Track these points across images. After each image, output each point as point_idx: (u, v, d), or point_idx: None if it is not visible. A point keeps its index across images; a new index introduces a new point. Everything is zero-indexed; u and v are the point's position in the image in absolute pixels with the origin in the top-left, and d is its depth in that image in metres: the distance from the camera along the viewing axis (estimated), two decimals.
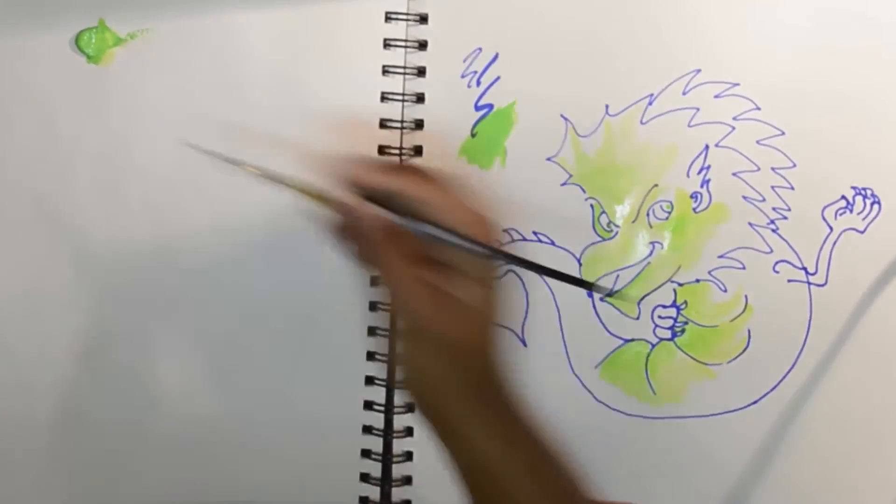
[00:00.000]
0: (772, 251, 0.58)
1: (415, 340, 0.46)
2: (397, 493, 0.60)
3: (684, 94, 0.57)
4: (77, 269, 0.59)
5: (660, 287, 0.58)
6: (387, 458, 0.60)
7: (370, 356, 0.60)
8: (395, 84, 0.58)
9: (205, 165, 0.58)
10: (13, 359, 0.60)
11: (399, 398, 0.60)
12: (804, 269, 0.58)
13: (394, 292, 0.46)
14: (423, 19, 0.58)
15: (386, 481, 0.60)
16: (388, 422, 0.60)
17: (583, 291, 0.58)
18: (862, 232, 0.57)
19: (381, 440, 0.60)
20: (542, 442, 0.48)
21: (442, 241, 0.45)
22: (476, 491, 0.48)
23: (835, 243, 0.57)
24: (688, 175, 0.58)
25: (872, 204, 0.57)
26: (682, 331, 0.59)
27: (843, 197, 0.57)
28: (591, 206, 0.58)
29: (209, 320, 0.60)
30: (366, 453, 0.60)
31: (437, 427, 0.48)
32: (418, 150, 0.58)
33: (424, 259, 0.46)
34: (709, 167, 0.57)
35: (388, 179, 0.45)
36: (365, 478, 0.60)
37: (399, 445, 0.60)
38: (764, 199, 0.57)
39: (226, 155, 0.50)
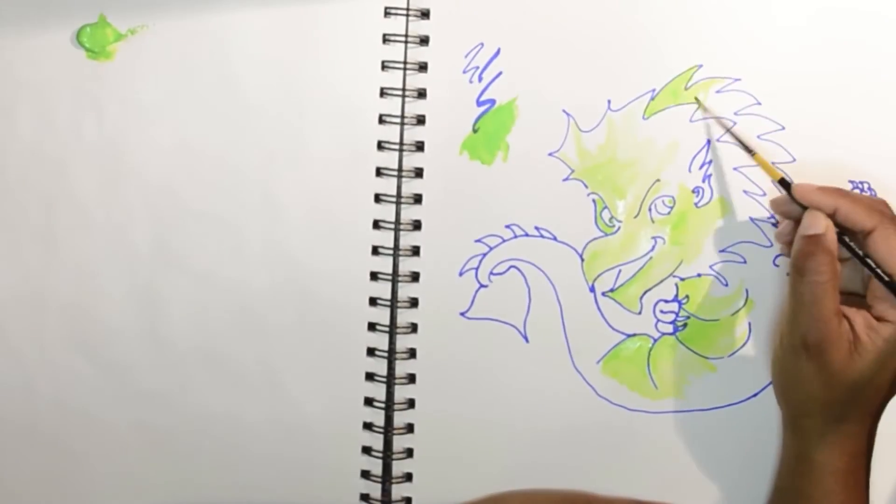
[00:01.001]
0: (772, 245, 0.58)
1: (801, 361, 0.51)
2: (398, 489, 0.60)
3: (686, 88, 0.57)
4: (77, 268, 0.59)
5: (662, 282, 0.59)
6: (387, 454, 0.60)
7: (370, 352, 0.59)
8: (395, 80, 0.58)
9: (204, 161, 0.58)
10: (14, 358, 0.59)
11: (399, 395, 0.60)
12: None
13: (813, 318, 0.50)
14: (425, 14, 0.57)
15: (387, 478, 0.60)
16: (389, 418, 0.60)
17: (584, 287, 0.59)
18: None
19: (381, 437, 0.60)
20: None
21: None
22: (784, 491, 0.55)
23: None
24: (689, 170, 0.58)
25: None
26: (684, 325, 0.59)
27: None
28: (594, 201, 0.58)
29: (208, 318, 0.59)
30: (366, 450, 0.60)
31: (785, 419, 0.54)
32: (420, 146, 0.58)
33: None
34: (710, 162, 0.58)
35: (847, 205, 0.51)
36: (366, 474, 0.60)
37: (400, 442, 0.60)
38: (764, 194, 0.58)
39: (742, 138, 0.56)
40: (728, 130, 0.56)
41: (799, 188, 0.53)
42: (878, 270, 0.51)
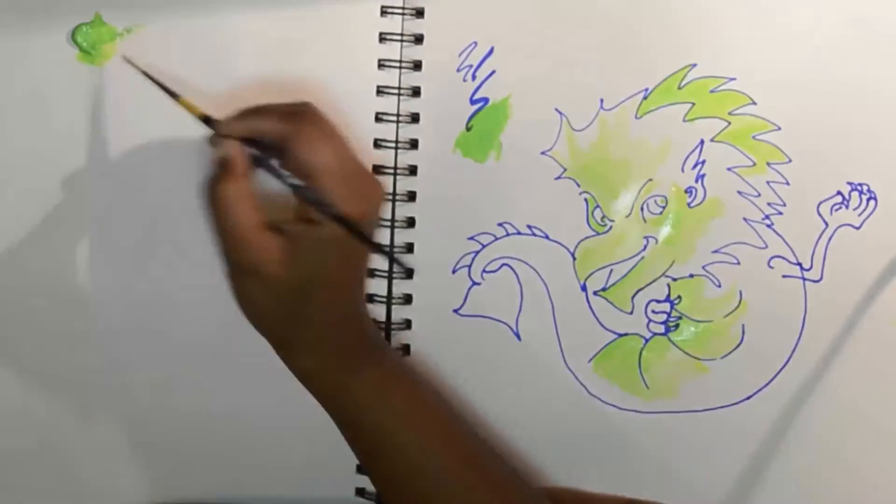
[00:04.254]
0: (766, 246, 0.57)
1: (247, 286, 0.50)
2: None
3: (680, 88, 0.57)
4: (74, 264, 0.59)
5: (654, 282, 0.58)
6: None
7: None
8: (391, 78, 0.58)
9: (202, 159, 0.59)
10: (13, 356, 0.60)
11: None
12: (799, 264, 0.58)
13: (237, 241, 0.49)
14: (420, 13, 0.58)
15: None
16: None
17: (576, 286, 0.59)
18: (857, 228, 0.57)
19: None
20: (446, 415, 0.52)
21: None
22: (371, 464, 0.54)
23: (830, 239, 0.57)
24: (682, 170, 0.57)
25: (868, 200, 0.57)
26: (676, 326, 0.58)
27: (839, 192, 0.57)
28: (586, 200, 0.58)
29: (207, 312, 0.60)
30: None
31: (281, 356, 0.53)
32: (414, 144, 0.58)
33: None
34: (704, 162, 0.57)
35: (258, 123, 0.50)
36: (361, 469, 0.61)
37: None
38: (759, 195, 0.57)
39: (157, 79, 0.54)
40: (149, 77, 0.54)
41: (223, 124, 0.51)
42: (288, 179, 0.50)
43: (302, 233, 0.49)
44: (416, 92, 0.58)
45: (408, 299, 0.60)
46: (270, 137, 0.50)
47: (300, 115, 0.50)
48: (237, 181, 0.49)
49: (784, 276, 0.58)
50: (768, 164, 0.57)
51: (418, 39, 0.58)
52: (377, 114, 0.58)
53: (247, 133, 0.50)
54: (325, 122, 0.51)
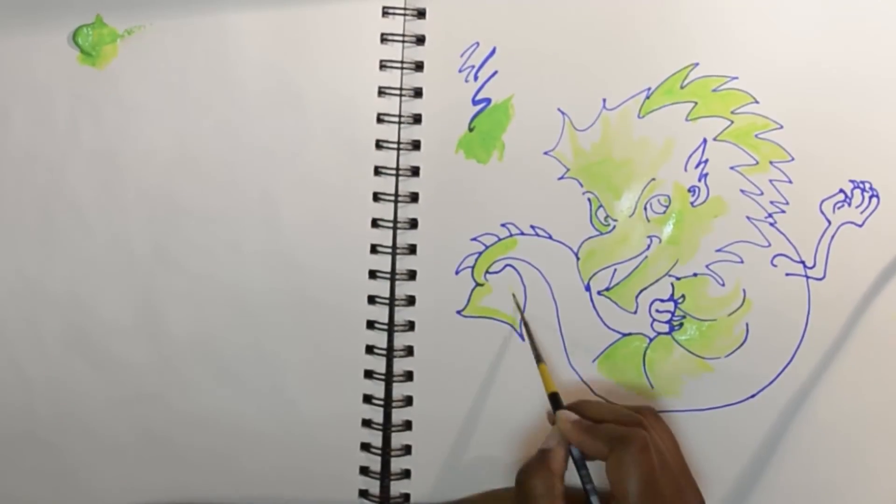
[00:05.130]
0: (770, 245, 0.58)
1: None
2: (396, 486, 0.61)
3: (682, 87, 0.57)
4: (74, 265, 0.59)
5: (657, 281, 0.58)
6: (386, 451, 0.60)
7: (369, 350, 0.60)
8: (392, 79, 0.58)
9: (202, 161, 0.59)
10: (12, 355, 0.60)
11: (397, 392, 0.60)
12: (802, 262, 0.58)
13: None
14: (421, 14, 0.58)
15: (385, 475, 0.61)
16: (387, 416, 0.60)
17: (580, 286, 0.59)
18: (860, 225, 0.57)
19: (380, 434, 0.60)
20: None
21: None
22: None
23: (833, 237, 0.57)
24: (685, 169, 0.58)
25: (871, 197, 0.57)
26: (680, 325, 0.59)
27: (842, 190, 0.57)
28: (589, 200, 0.58)
29: (206, 317, 0.60)
30: (365, 447, 0.60)
31: None
32: (416, 145, 0.58)
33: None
34: (706, 161, 0.57)
35: (586, 440, 0.52)
36: (364, 471, 0.61)
37: (398, 439, 0.60)
38: (762, 193, 0.57)
39: (536, 347, 0.58)
40: (524, 326, 0.58)
41: (561, 414, 0.54)
42: (593, 497, 0.52)
43: None
44: (417, 93, 0.58)
45: (411, 301, 0.59)
46: (593, 455, 0.52)
47: (626, 440, 0.50)
48: (549, 479, 0.51)
49: (787, 275, 0.58)
50: (771, 162, 0.57)
51: (420, 40, 0.58)
52: (379, 115, 0.58)
53: (575, 444, 0.52)
54: (647, 449, 0.50)
